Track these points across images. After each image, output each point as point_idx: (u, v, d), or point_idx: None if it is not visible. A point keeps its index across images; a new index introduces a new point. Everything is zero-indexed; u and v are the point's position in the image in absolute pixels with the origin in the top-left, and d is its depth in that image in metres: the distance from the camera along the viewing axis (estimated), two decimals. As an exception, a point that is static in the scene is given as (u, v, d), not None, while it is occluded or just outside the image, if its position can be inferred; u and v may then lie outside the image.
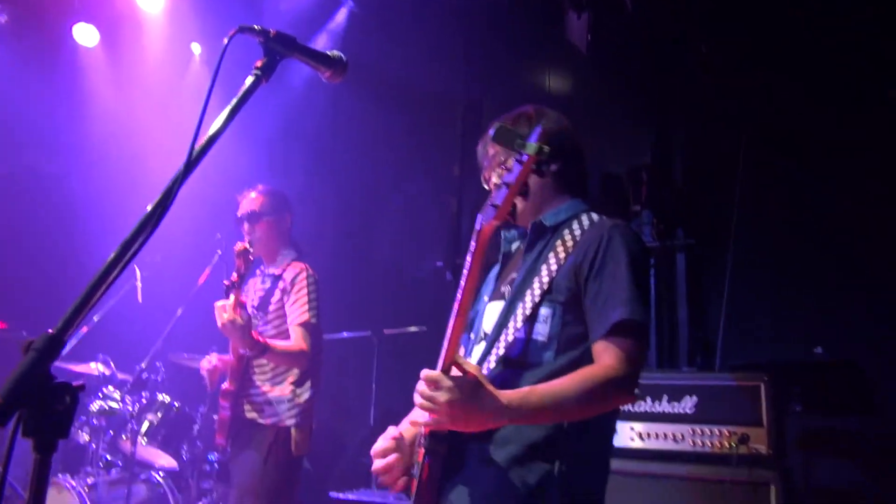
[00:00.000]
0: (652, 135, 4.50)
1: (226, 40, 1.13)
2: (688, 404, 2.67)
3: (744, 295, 3.88)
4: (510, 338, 1.49)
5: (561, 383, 1.40)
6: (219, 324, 2.57)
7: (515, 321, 1.50)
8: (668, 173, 4.22)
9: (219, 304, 2.55)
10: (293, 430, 2.77)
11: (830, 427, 3.37)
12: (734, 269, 3.90)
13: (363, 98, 5.38)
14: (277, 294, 2.90)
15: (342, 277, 4.83)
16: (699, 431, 2.62)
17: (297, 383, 2.84)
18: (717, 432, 2.59)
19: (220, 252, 4.05)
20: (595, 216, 1.63)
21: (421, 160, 5.20)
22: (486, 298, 1.70)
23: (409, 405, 4.89)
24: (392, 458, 1.54)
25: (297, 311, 2.83)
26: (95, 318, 4.43)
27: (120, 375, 4.25)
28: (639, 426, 2.71)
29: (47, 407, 0.82)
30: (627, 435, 2.70)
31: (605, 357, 1.44)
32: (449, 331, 1.41)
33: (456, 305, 1.41)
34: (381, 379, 4.49)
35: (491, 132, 1.70)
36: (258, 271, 3.09)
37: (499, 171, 1.68)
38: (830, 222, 3.79)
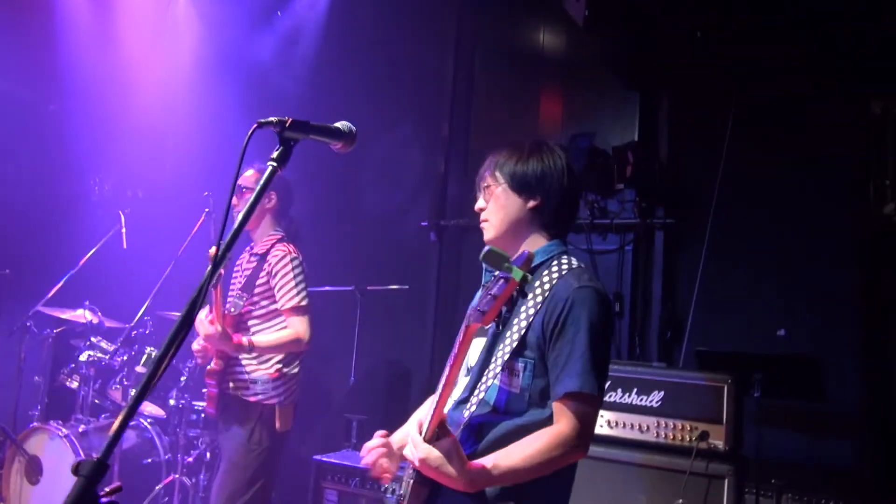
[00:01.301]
0: (639, 105, 4.52)
1: (246, 138, 1.17)
2: (655, 398, 2.85)
3: (717, 275, 4.04)
4: (489, 383, 1.64)
5: (519, 454, 1.58)
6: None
7: (495, 369, 1.64)
8: (654, 152, 4.28)
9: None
10: (277, 408, 2.90)
11: (783, 408, 3.64)
12: (709, 250, 4.04)
13: (349, 48, 5.28)
14: (263, 276, 2.96)
15: (327, 230, 4.88)
16: (663, 424, 2.82)
17: (284, 362, 2.95)
18: (680, 426, 2.79)
19: (207, 210, 4.08)
20: (572, 263, 1.72)
21: (409, 115, 5.16)
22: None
23: (390, 361, 5.08)
24: (381, 452, 1.78)
25: (287, 296, 2.91)
26: (80, 263, 4.49)
27: (107, 323, 4.34)
28: (609, 414, 2.90)
29: (96, 526, 0.93)
30: (598, 422, 2.88)
31: (560, 421, 1.61)
32: (438, 399, 1.55)
33: (445, 376, 1.56)
34: (363, 334, 4.63)
35: (484, 174, 1.83)
36: (246, 249, 3.14)
37: (483, 196, 1.83)
38: (809, 211, 3.92)
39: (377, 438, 1.83)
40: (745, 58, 4.11)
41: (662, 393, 2.85)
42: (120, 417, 0.98)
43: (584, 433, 1.60)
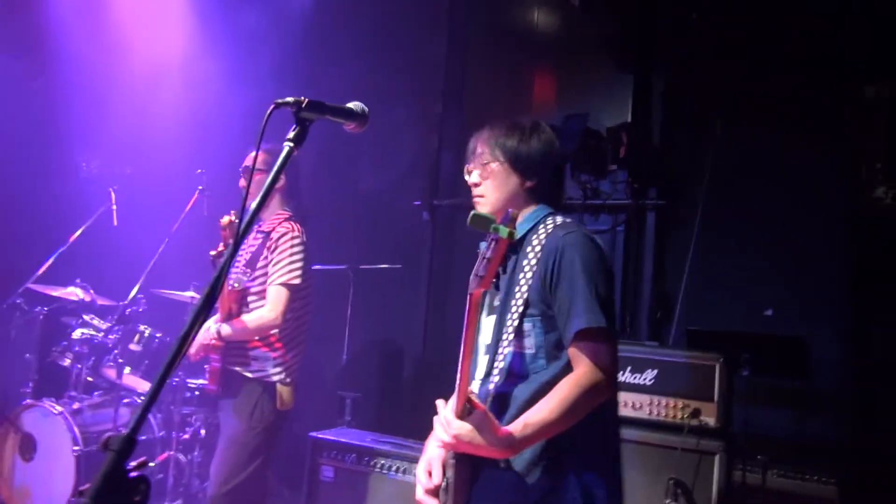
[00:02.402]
0: (633, 87, 4.54)
1: (265, 118, 1.18)
2: (648, 376, 2.91)
3: (707, 256, 4.10)
4: (506, 352, 1.68)
5: (546, 407, 1.60)
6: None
7: (507, 336, 1.69)
8: (646, 134, 4.30)
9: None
10: (278, 386, 2.92)
11: (770, 386, 3.72)
12: (700, 231, 4.09)
13: (342, 25, 5.23)
14: (265, 252, 2.97)
15: (320, 209, 4.87)
16: (656, 402, 2.88)
17: (284, 340, 2.97)
18: (673, 404, 2.85)
19: (201, 187, 4.07)
20: (557, 220, 1.78)
21: (402, 94, 5.13)
22: (483, 313, 1.84)
23: (383, 340, 5.11)
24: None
25: (278, 271, 2.91)
26: (70, 240, 4.46)
27: (99, 301, 4.33)
28: (602, 392, 2.95)
29: (126, 500, 0.95)
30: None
31: (578, 364, 1.64)
32: (460, 373, 1.58)
33: (462, 350, 1.59)
34: (356, 313, 4.65)
35: (479, 147, 1.85)
36: (255, 227, 3.13)
37: (475, 174, 1.85)
38: (799, 193, 3.97)
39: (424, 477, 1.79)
40: (740, 40, 4.14)
41: (656, 371, 2.91)
42: (149, 393, 1.00)
43: (603, 368, 1.62)
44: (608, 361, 1.64)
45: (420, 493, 1.77)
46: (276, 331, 2.94)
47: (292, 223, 3.03)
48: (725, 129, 4.04)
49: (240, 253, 3.11)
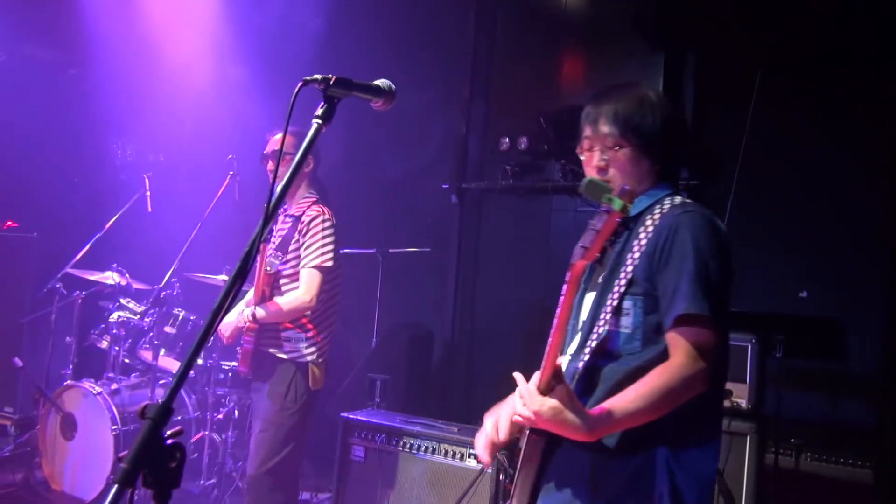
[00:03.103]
0: (664, 65, 4.47)
1: (293, 95, 1.19)
2: (679, 357, 2.88)
3: (740, 237, 4.01)
4: (601, 330, 1.56)
5: (635, 394, 1.48)
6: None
7: (605, 314, 1.58)
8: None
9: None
10: (311, 366, 2.97)
11: (804, 368, 3.66)
12: (733, 212, 4.02)
13: (369, 8, 5.22)
14: (296, 235, 3.00)
15: (349, 193, 4.91)
16: (687, 383, 2.85)
17: (315, 321, 3.00)
18: (704, 385, 2.82)
19: (232, 172, 4.11)
20: (675, 200, 1.64)
21: (429, 76, 5.12)
22: (583, 288, 1.73)
23: (412, 323, 5.13)
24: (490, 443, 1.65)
25: (312, 254, 2.94)
26: (106, 226, 4.56)
27: (135, 285, 4.43)
28: (632, 374, 2.93)
29: (162, 465, 0.97)
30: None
31: (675, 351, 1.51)
32: (549, 346, 1.48)
33: (555, 322, 1.49)
34: (385, 297, 4.69)
35: (606, 127, 1.66)
36: (281, 211, 3.16)
37: (599, 156, 1.68)
38: (835, 172, 3.88)
39: (488, 423, 1.68)
40: (775, 16, 4.04)
41: (686, 352, 2.88)
42: (183, 363, 1.02)
43: (702, 359, 1.47)
44: (707, 351, 1.48)
45: (479, 442, 1.67)
46: (308, 312, 2.98)
47: (322, 206, 3.06)
48: (760, 107, 3.95)
49: (271, 237, 3.14)
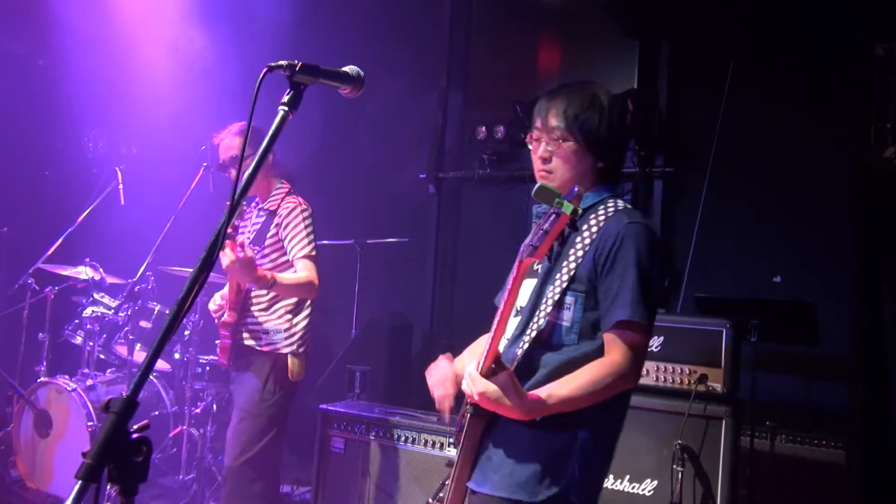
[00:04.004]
0: (639, 52, 4.49)
1: (258, 82, 1.17)
2: (655, 342, 2.90)
3: (715, 223, 4.07)
4: (541, 321, 1.68)
5: (573, 383, 1.63)
6: (224, 266, 2.65)
7: (546, 305, 1.69)
8: (653, 101, 4.25)
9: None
10: (290, 358, 2.95)
11: (778, 352, 3.72)
12: (708, 199, 4.06)
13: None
14: (273, 229, 2.97)
15: (325, 184, 4.87)
16: (663, 368, 2.88)
17: (293, 312, 2.98)
18: (679, 370, 2.85)
19: (206, 164, 4.06)
20: (618, 204, 1.74)
21: (405, 65, 5.09)
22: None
23: (391, 314, 5.09)
24: (447, 391, 1.85)
25: (298, 245, 2.92)
26: (78, 220, 4.48)
27: (109, 279, 4.36)
28: (609, 360, 2.95)
29: (128, 460, 0.96)
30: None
31: (612, 350, 1.65)
32: (492, 334, 1.60)
33: (498, 315, 1.60)
34: (364, 288, 4.67)
35: (555, 121, 1.73)
36: (252, 204, 3.12)
37: (545, 147, 1.76)
38: (808, 157, 3.93)
39: (444, 361, 1.89)
40: (747, 3, 4.06)
41: (662, 338, 2.90)
42: (147, 356, 1.00)
43: (636, 361, 1.65)
44: (640, 354, 1.67)
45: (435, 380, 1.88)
46: (284, 303, 2.96)
47: (295, 196, 3.03)
48: (733, 94, 3.98)
49: (241, 233, 3.09)
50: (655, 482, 2.78)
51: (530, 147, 1.82)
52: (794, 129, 3.96)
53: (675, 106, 4.32)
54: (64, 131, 5.63)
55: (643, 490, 2.79)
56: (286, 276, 2.87)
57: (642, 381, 2.89)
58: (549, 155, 1.75)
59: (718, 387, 2.78)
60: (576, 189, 1.51)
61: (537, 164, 1.78)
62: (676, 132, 4.29)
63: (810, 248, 3.92)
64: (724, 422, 2.73)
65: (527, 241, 1.59)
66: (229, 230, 2.55)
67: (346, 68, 1.37)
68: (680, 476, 2.69)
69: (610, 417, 1.74)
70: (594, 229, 1.70)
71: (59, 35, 5.40)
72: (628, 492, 2.81)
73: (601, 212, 1.72)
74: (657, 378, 2.89)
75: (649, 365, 2.89)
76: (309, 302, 3.04)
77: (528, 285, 1.79)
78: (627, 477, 2.82)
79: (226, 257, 2.59)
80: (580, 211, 1.50)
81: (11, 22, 5.29)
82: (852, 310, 3.79)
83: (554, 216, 1.50)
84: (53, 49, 5.46)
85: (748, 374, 3.17)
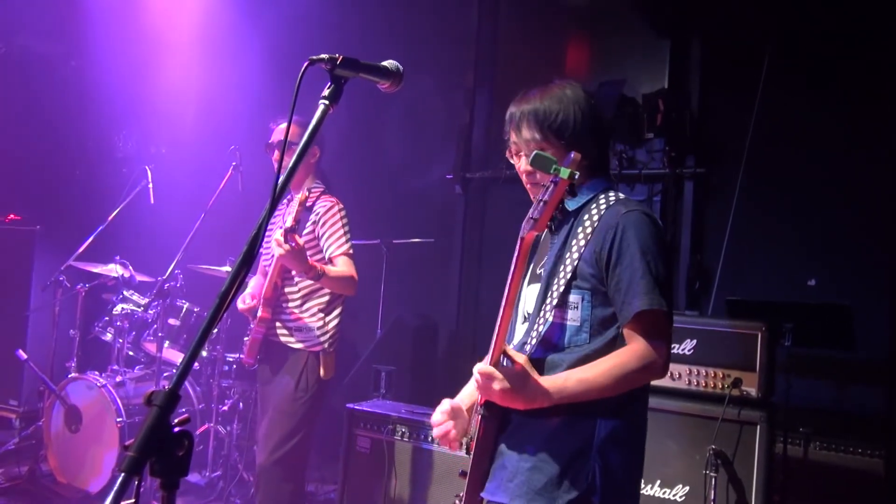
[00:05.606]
0: (670, 52, 4.43)
1: (300, 75, 1.16)
2: (688, 346, 2.85)
3: (747, 225, 4.00)
4: (547, 322, 1.62)
5: (594, 370, 1.56)
6: (277, 255, 2.69)
7: (550, 306, 1.63)
8: (684, 101, 4.19)
9: (275, 236, 2.67)
10: (322, 355, 2.95)
11: (812, 356, 3.64)
12: (740, 200, 3.99)
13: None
14: (309, 226, 2.98)
15: (352, 184, 4.87)
16: (696, 371, 2.83)
17: (325, 310, 2.98)
18: (713, 374, 2.79)
19: (235, 163, 4.08)
20: (612, 196, 1.70)
21: (432, 65, 5.07)
22: (525, 281, 1.78)
23: (417, 314, 5.07)
24: (447, 426, 1.71)
25: (336, 243, 2.94)
26: (109, 218, 4.53)
27: (138, 277, 4.41)
28: (640, 362, 2.90)
29: (170, 453, 0.95)
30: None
31: (634, 342, 1.58)
32: (498, 324, 1.55)
33: (504, 301, 1.54)
34: (389, 288, 4.66)
35: (528, 132, 1.71)
36: (286, 200, 3.13)
37: (526, 160, 1.72)
38: (842, 159, 3.84)
39: (443, 413, 1.73)
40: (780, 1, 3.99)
41: (695, 341, 2.85)
42: (189, 350, 1.00)
43: (660, 349, 1.57)
44: (666, 344, 1.59)
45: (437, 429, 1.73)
46: (316, 301, 2.97)
47: (331, 196, 3.04)
48: (767, 93, 3.91)
49: (272, 230, 3.10)
50: (687, 488, 2.73)
51: (512, 161, 1.77)
52: (829, 129, 3.88)
53: (706, 105, 4.25)
54: (95, 131, 5.70)
55: (674, 495, 2.75)
56: (332, 269, 2.88)
57: (674, 384, 2.87)
58: (530, 168, 1.68)
59: (753, 391, 2.72)
60: (572, 155, 1.48)
61: (524, 178, 1.74)
62: (708, 132, 4.23)
63: (846, 250, 3.84)
64: (758, 427, 2.67)
65: (527, 216, 1.54)
66: (293, 223, 2.58)
67: (385, 63, 1.36)
68: (714, 482, 2.64)
69: (626, 416, 1.65)
70: (594, 220, 1.65)
71: (91, 37, 5.47)
72: (659, 497, 2.76)
73: (601, 202, 1.68)
74: (689, 382, 2.84)
75: (682, 368, 2.84)
76: (341, 300, 3.04)
77: (533, 291, 1.73)
78: (658, 482, 2.78)
79: (279, 248, 2.61)
80: (577, 175, 1.46)
81: (45, 24, 5.38)
82: (889, 314, 3.70)
83: (552, 185, 1.47)
84: (85, 51, 5.54)
85: (782, 378, 3.10)
